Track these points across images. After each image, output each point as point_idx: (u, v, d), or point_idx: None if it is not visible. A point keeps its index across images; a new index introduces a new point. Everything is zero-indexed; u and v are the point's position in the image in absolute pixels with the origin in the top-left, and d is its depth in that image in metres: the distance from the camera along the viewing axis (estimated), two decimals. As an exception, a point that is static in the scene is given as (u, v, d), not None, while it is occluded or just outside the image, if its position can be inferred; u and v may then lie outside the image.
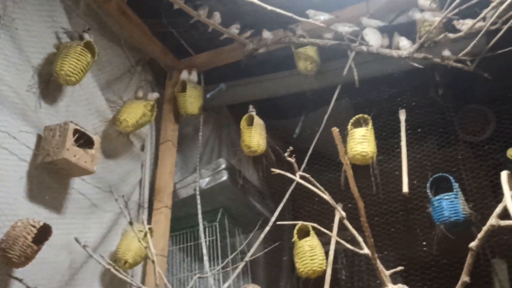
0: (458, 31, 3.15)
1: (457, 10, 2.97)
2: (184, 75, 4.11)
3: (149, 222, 3.73)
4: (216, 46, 4.18)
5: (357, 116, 3.45)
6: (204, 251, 3.63)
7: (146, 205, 3.76)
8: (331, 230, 3.43)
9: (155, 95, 3.83)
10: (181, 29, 4.04)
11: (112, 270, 2.86)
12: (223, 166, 3.97)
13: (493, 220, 2.55)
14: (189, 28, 3.95)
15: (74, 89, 3.28)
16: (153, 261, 2.91)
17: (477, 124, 4.29)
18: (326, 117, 3.83)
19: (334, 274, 3.97)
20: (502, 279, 3.76)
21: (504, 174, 1.91)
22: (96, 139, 3.13)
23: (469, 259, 2.49)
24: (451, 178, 3.22)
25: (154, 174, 3.96)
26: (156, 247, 3.56)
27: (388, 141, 3.81)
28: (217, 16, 3.71)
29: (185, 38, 4.18)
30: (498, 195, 3.50)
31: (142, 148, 4.00)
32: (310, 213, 4.31)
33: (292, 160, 2.27)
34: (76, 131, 2.99)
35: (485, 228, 2.54)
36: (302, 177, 2.50)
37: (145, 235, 3.09)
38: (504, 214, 2.23)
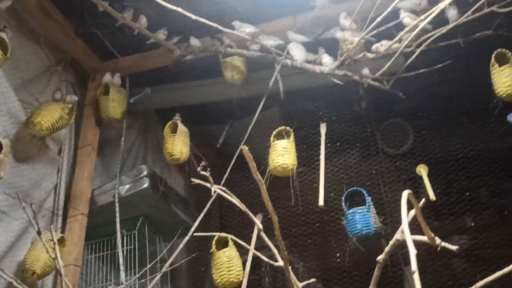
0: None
1: (375, 31, 3.10)
2: (107, 77, 3.98)
3: (63, 230, 3.57)
4: (143, 49, 4.08)
5: (279, 128, 3.52)
6: (121, 260, 3.53)
7: (60, 212, 3.59)
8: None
9: (74, 98, 3.67)
10: (106, 30, 3.92)
11: (14, 283, 2.70)
12: (145, 173, 3.88)
13: (398, 235, 2.68)
14: (114, 30, 3.84)
15: (-18, 88, 3.08)
16: (60, 274, 2.78)
17: (397, 138, 4.49)
18: (250, 127, 3.87)
19: (257, 282, 4.01)
20: (413, 286, 3.95)
21: (404, 194, 1.99)
22: (5, 142, 2.94)
23: (376, 271, 2.60)
24: (364, 192, 3.35)
25: (71, 180, 3.79)
26: (69, 256, 3.42)
27: (310, 153, 3.91)
28: (143, 19, 3.62)
29: (111, 39, 4.06)
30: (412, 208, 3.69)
31: (60, 152, 3.82)
32: (237, 223, 4.32)
33: (207, 174, 2.24)
34: (-18, 134, 2.80)
35: (391, 242, 2.66)
36: (220, 189, 2.50)
37: (55, 245, 2.94)
38: (410, 228, 2.34)
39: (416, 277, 1.57)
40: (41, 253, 3.10)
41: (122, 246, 3.68)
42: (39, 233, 2.85)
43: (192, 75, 4.26)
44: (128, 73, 4.19)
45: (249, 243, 3.81)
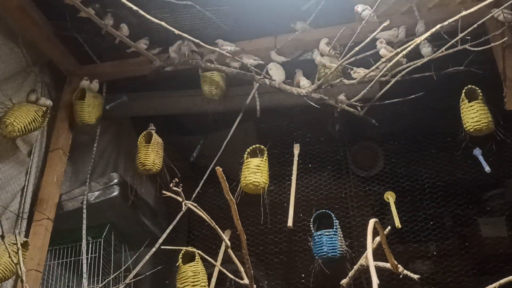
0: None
1: (353, 59, 3.19)
2: (85, 83, 3.94)
3: (27, 234, 3.49)
4: (123, 56, 4.06)
5: (253, 146, 3.55)
6: (84, 268, 3.47)
7: (25, 216, 3.52)
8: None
9: (48, 102, 3.62)
10: (87, 34, 3.89)
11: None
12: (115, 181, 3.84)
13: (363, 260, 2.75)
14: (94, 35, 3.82)
15: (-46, 86, 3.02)
16: (22, 280, 2.72)
17: (368, 160, 4.57)
18: (226, 141, 3.89)
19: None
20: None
21: (371, 222, 2.05)
22: (-26, 142, 2.88)
23: (339, 295, 2.67)
24: (332, 214, 3.40)
25: (39, 183, 3.72)
26: (31, 261, 3.35)
27: (282, 171, 3.95)
28: (124, 28, 3.63)
29: (90, 44, 4.03)
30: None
31: (30, 154, 3.75)
32: (204, 236, 4.31)
33: (179, 189, 2.26)
34: (-51, 132, 2.73)
35: (355, 267, 2.73)
36: (191, 204, 2.52)
37: (18, 250, 2.88)
38: (375, 253, 2.39)
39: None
40: (3, 256, 3.03)
41: (87, 254, 3.62)
42: (2, 236, 2.80)
43: (170, 85, 4.25)
44: (106, 79, 4.15)
45: (216, 257, 3.81)
